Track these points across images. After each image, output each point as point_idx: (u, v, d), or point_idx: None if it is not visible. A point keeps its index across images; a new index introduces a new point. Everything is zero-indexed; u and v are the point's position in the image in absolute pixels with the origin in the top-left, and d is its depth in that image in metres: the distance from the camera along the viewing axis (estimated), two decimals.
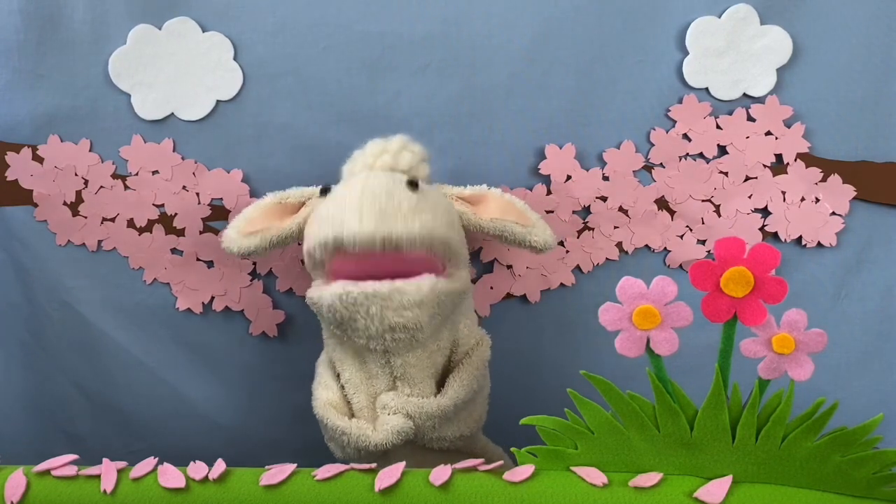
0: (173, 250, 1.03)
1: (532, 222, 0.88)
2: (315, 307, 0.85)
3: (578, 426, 0.69)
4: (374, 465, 0.71)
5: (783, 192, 1.03)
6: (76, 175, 1.01)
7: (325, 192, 0.87)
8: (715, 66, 1.01)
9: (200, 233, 1.03)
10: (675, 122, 1.02)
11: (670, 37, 1.00)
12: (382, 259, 0.80)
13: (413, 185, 0.83)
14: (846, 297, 1.05)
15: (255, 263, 1.04)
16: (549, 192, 1.03)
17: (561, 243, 1.03)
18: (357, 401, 0.88)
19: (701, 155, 1.03)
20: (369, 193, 0.81)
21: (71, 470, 0.71)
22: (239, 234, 0.89)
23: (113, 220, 1.02)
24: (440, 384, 0.89)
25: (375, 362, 0.86)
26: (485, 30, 0.99)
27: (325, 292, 0.82)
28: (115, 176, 1.01)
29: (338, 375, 0.90)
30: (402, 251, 0.80)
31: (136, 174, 1.01)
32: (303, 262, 1.03)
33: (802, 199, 1.03)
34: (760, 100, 1.02)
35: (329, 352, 0.91)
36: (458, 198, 0.90)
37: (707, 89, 1.01)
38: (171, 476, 0.70)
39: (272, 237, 0.88)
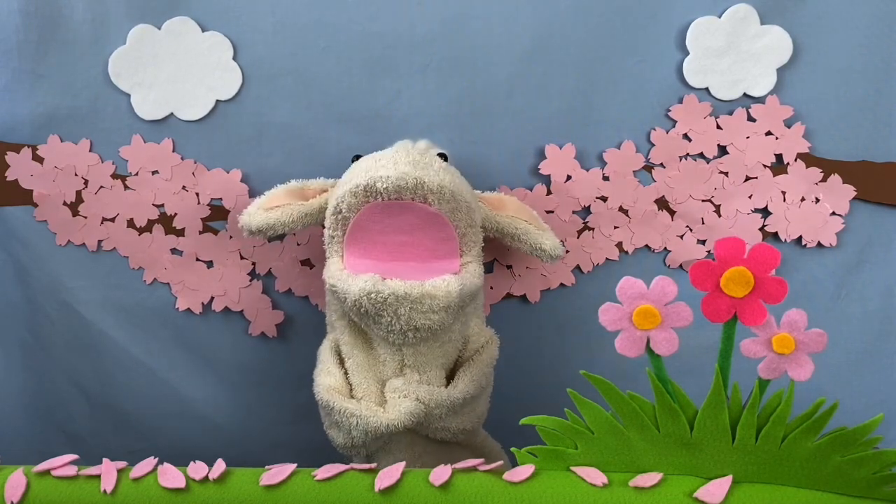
0: (173, 250, 1.03)
1: (545, 228, 0.92)
2: (336, 295, 0.85)
3: (578, 426, 0.69)
4: (374, 466, 0.71)
5: (783, 192, 1.03)
6: (76, 175, 1.01)
7: (356, 159, 0.90)
8: (715, 66, 1.01)
9: (200, 233, 1.03)
10: (675, 122, 1.02)
11: (670, 37, 1.00)
12: (409, 212, 0.83)
13: (443, 157, 0.89)
14: (846, 297, 1.05)
15: (254, 263, 1.04)
16: (549, 192, 1.03)
17: (561, 243, 1.03)
18: (364, 386, 0.88)
19: (701, 155, 1.03)
20: (403, 148, 0.86)
21: (71, 470, 0.71)
22: (259, 208, 0.90)
23: (113, 220, 1.02)
24: (448, 378, 0.90)
25: (386, 349, 0.87)
26: (485, 30, 0.99)
27: (351, 286, 0.82)
28: (115, 176, 1.01)
29: (342, 361, 0.90)
30: (429, 203, 0.82)
31: (136, 174, 1.01)
32: (302, 262, 1.04)
33: (802, 199, 1.03)
34: (760, 100, 1.02)
35: (336, 335, 0.91)
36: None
37: (707, 89, 1.01)
38: (171, 476, 0.70)
39: (293, 211, 0.89)
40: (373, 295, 0.80)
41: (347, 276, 0.84)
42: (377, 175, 0.82)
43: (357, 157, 0.90)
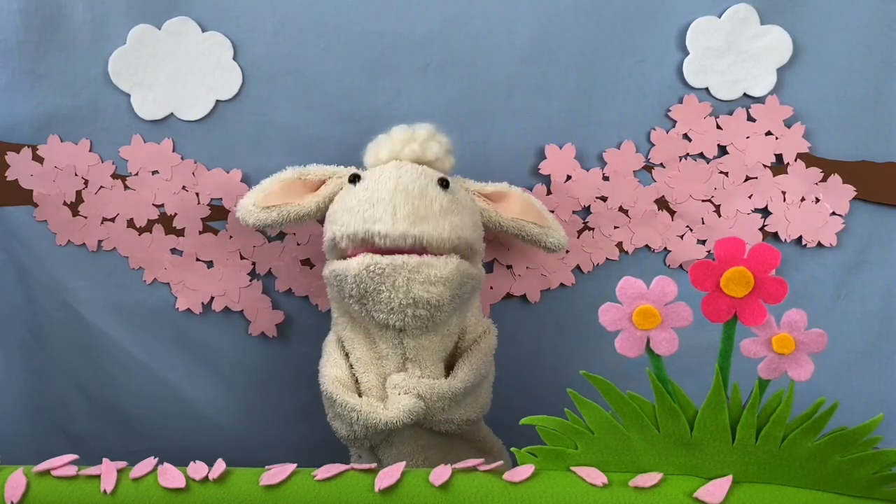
0: (173, 250, 1.03)
1: (549, 223, 0.92)
2: (338, 279, 0.85)
3: (578, 426, 0.69)
4: (374, 466, 0.71)
5: (783, 192, 1.03)
6: (76, 175, 1.01)
7: (354, 180, 0.87)
8: (715, 66, 1.01)
9: (200, 233, 1.03)
10: (675, 122, 1.02)
11: (670, 37, 1.00)
12: (409, 252, 0.83)
13: (444, 184, 0.85)
14: (846, 297, 1.05)
15: (254, 263, 1.04)
16: (549, 192, 1.03)
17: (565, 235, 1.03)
18: (367, 380, 0.88)
19: (701, 155, 1.03)
20: (402, 190, 0.83)
21: (71, 470, 0.71)
22: (256, 206, 0.89)
23: (113, 220, 1.02)
24: (447, 369, 0.90)
25: (387, 343, 0.87)
26: (485, 30, 0.99)
27: (351, 263, 0.83)
28: (115, 176, 1.01)
29: (346, 355, 0.91)
30: (428, 251, 0.83)
31: (136, 174, 1.01)
32: (302, 262, 1.04)
33: (802, 199, 1.03)
34: (760, 100, 1.02)
35: (339, 331, 0.91)
36: (479, 194, 0.92)
37: (707, 89, 1.01)
38: (171, 476, 0.70)
39: (290, 213, 0.89)
40: (371, 266, 0.81)
41: (347, 260, 0.85)
42: (374, 230, 0.81)
43: (355, 178, 0.87)
